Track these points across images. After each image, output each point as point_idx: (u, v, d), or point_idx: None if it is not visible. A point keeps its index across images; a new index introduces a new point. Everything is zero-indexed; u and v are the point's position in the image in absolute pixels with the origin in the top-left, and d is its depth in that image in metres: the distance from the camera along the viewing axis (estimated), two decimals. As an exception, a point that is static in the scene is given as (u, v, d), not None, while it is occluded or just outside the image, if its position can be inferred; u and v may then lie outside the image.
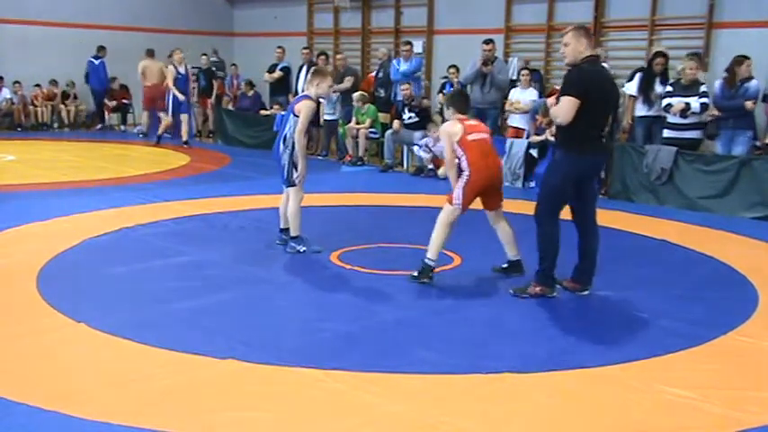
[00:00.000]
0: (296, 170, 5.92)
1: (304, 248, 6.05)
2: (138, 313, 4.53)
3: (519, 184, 9.76)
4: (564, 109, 4.78)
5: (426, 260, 5.33)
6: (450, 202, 5.30)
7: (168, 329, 4.25)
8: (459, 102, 5.55)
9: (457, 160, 5.33)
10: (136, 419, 3.16)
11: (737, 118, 8.54)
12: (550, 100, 5.62)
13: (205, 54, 14.99)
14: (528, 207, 7.68)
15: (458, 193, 5.27)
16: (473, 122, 5.53)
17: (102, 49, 15.32)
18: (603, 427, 3.27)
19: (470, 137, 5.32)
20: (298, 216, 6.03)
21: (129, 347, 3.97)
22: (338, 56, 13.26)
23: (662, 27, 11.30)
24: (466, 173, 5.27)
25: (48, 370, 3.69)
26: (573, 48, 4.87)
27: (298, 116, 5.86)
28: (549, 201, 5.03)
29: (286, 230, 6.23)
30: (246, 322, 4.46)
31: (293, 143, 5.88)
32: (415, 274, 5.34)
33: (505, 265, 5.58)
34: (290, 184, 5.99)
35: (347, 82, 12.16)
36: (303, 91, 6.39)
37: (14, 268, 5.38)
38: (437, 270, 5.56)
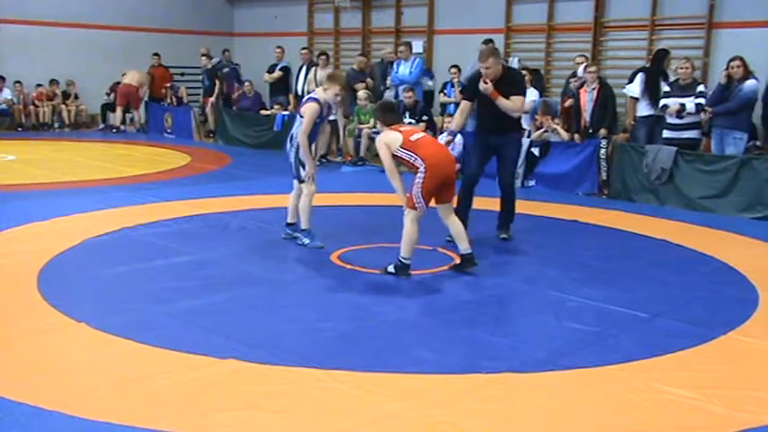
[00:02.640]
0: (303, 168, 6.08)
1: (307, 241, 6.16)
2: (138, 313, 4.53)
3: (518, 183, 9.72)
4: (523, 104, 6.48)
5: (401, 258, 5.36)
6: (413, 208, 5.31)
7: (168, 329, 4.25)
8: (387, 114, 5.60)
9: (404, 166, 5.41)
10: (136, 419, 3.16)
11: (727, 117, 8.53)
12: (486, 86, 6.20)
13: (205, 55, 14.93)
14: (529, 206, 7.76)
15: (417, 197, 5.28)
16: (407, 127, 5.58)
17: (225, 51, 15.36)
18: (603, 427, 3.27)
19: (413, 137, 5.37)
20: (307, 210, 6.16)
21: (129, 347, 3.97)
22: (360, 58, 13.16)
23: (662, 27, 11.29)
24: (421, 171, 5.26)
25: (48, 370, 3.68)
26: (494, 69, 6.16)
27: (303, 117, 5.99)
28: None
29: (291, 225, 6.39)
30: (246, 322, 4.45)
31: (299, 142, 6.03)
32: (391, 269, 5.37)
33: (459, 262, 5.55)
34: (300, 180, 6.16)
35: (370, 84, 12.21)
36: (307, 92, 6.45)
37: (14, 268, 5.37)
38: (437, 270, 5.56)
